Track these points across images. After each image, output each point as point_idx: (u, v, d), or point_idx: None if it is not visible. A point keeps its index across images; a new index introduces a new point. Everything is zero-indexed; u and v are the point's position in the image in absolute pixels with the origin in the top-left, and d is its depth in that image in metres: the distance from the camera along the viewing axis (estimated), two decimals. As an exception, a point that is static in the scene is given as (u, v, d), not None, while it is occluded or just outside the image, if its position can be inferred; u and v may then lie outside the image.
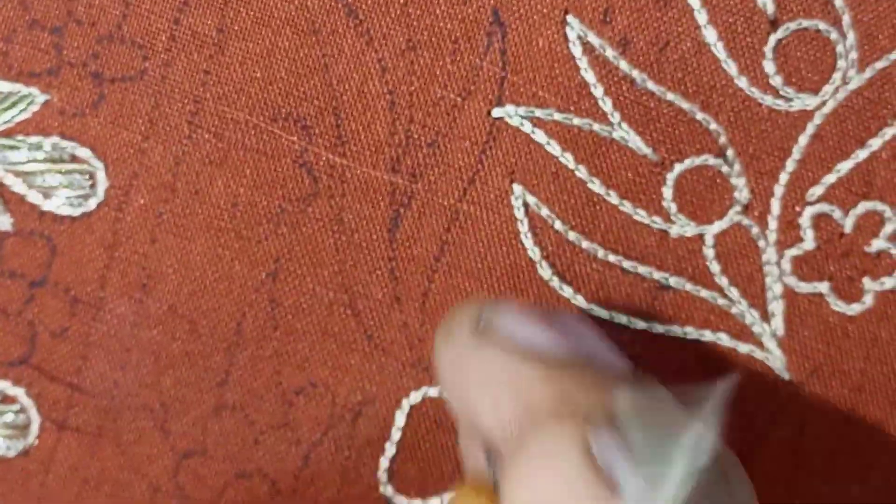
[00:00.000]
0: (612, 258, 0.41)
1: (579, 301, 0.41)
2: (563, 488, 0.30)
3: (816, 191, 0.40)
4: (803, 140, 0.40)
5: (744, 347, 0.41)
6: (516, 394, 0.32)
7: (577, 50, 0.40)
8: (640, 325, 0.41)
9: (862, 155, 0.40)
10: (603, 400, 0.31)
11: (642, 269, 0.41)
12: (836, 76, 0.40)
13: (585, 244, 0.41)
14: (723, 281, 0.41)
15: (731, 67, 0.40)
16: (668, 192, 0.40)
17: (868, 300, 0.41)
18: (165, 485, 0.43)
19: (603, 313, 0.41)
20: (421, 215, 0.41)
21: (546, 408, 0.32)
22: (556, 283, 0.41)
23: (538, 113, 0.40)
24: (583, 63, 0.40)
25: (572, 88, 0.40)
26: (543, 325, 0.34)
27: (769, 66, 0.39)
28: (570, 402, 0.31)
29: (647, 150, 0.40)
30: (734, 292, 0.41)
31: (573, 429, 0.30)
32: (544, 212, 0.40)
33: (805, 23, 0.39)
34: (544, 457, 0.30)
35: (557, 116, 0.40)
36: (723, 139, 0.40)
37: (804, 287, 0.41)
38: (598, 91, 0.40)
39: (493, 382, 0.33)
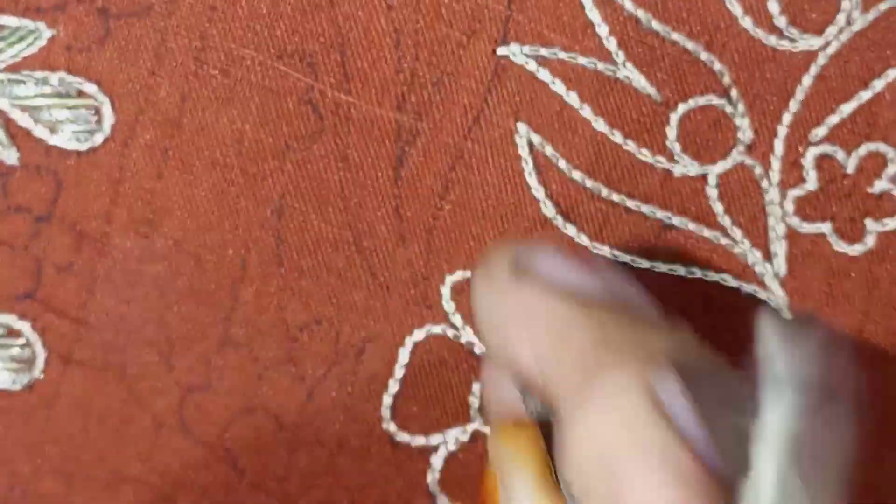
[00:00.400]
0: (615, 197, 0.42)
1: (583, 240, 0.42)
2: (629, 437, 0.30)
3: (820, 131, 0.41)
4: (807, 81, 0.41)
5: (747, 287, 0.42)
6: (556, 333, 0.33)
7: (582, -11, 0.41)
8: (644, 263, 0.42)
9: (865, 96, 0.41)
10: (648, 344, 0.32)
11: (646, 209, 0.42)
12: (841, 17, 0.41)
13: (589, 183, 0.42)
14: (726, 221, 0.42)
15: (736, 7, 0.40)
16: (671, 131, 0.41)
17: (870, 241, 0.42)
18: (170, 419, 0.44)
19: (606, 252, 0.42)
20: (426, 153, 0.42)
21: (587, 348, 0.32)
22: (559, 221, 0.42)
23: (543, 52, 0.41)
24: (588, 2, 0.41)
25: (577, 27, 0.41)
26: (581, 267, 0.35)
27: (774, 6, 0.40)
28: (613, 344, 0.32)
29: (651, 90, 0.41)
30: (737, 232, 0.42)
31: (636, 375, 0.30)
32: (549, 150, 0.41)
33: (811, -37, 0.40)
34: (609, 405, 0.30)
35: (562, 55, 0.41)
36: (727, 79, 0.41)
37: (806, 227, 0.42)
38: (603, 30, 0.41)
39: (533, 321, 0.33)
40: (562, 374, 0.32)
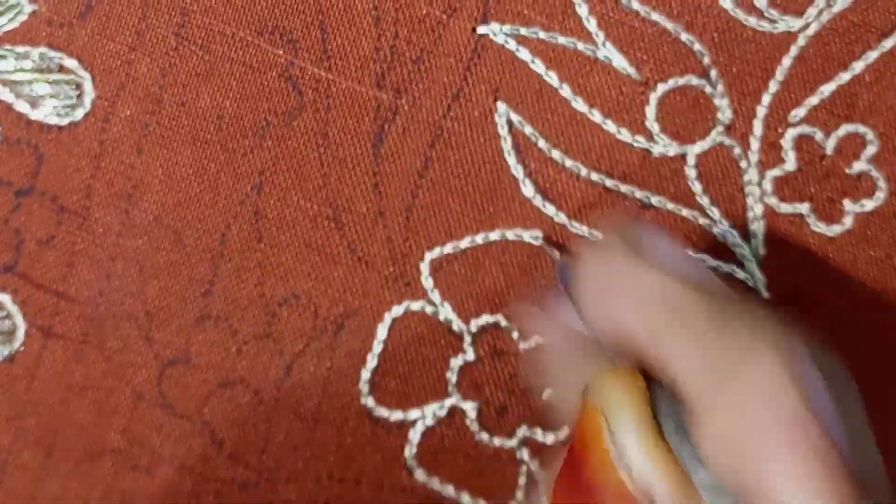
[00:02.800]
0: (594, 177, 0.44)
1: (562, 219, 0.45)
2: (773, 417, 0.33)
3: (799, 112, 0.44)
4: (787, 62, 0.44)
5: (725, 267, 0.45)
6: (673, 311, 0.36)
7: (563, -32, 0.43)
8: (620, 243, 0.45)
9: (845, 77, 0.44)
10: (772, 332, 0.35)
11: (624, 188, 0.44)
12: None
13: (569, 162, 0.44)
14: (704, 200, 0.45)
15: (716, -11, 0.43)
16: (651, 111, 0.44)
17: (848, 222, 0.45)
18: (149, 392, 0.47)
19: (584, 231, 0.45)
20: (405, 131, 0.44)
21: (708, 329, 0.35)
22: (538, 200, 0.45)
23: (523, 31, 0.44)
24: (569, -19, 0.43)
25: (557, 7, 0.43)
26: (690, 255, 0.38)
27: (753, -11, 0.43)
28: (740, 329, 0.35)
29: (630, 70, 0.44)
30: (715, 212, 0.45)
31: (776, 359, 0.34)
32: (528, 130, 0.44)
33: (790, -54, 0.43)
34: (753, 386, 0.34)
35: (542, 35, 0.44)
36: (707, 60, 0.44)
37: (785, 208, 0.44)
38: (582, 10, 0.43)
39: (648, 299, 0.36)
40: (681, 351, 0.35)
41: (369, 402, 0.47)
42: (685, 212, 0.45)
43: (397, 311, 0.46)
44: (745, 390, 0.34)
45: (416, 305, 0.46)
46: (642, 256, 0.37)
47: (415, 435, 0.47)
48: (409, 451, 0.47)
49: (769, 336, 0.34)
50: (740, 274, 0.45)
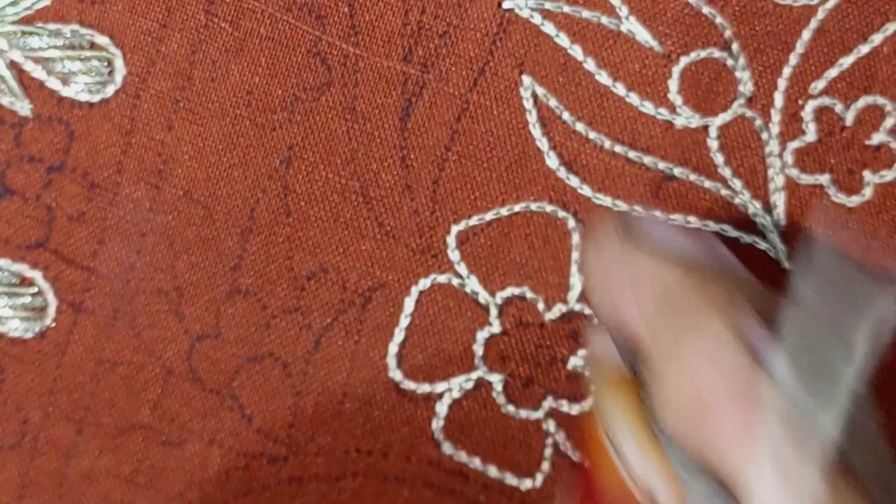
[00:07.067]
0: (618, 148, 0.46)
1: (586, 191, 0.46)
2: (717, 369, 0.34)
3: (819, 84, 0.45)
4: (807, 34, 0.45)
5: (746, 238, 0.46)
6: (664, 294, 0.38)
7: (586, -57, 0.45)
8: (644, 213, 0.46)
9: (864, 49, 0.45)
10: (740, 299, 0.37)
11: (647, 160, 0.46)
12: (840, -28, 0.45)
13: (592, 135, 0.46)
14: (726, 172, 0.46)
15: (737, -38, 0.45)
16: (673, 84, 0.45)
17: (868, 192, 0.46)
18: (179, 367, 0.48)
19: (608, 202, 0.46)
20: (432, 105, 0.46)
21: (692, 308, 0.37)
22: (563, 172, 0.46)
23: (547, 5, 0.45)
24: (592, -44, 0.45)
25: (581, -19, 0.45)
26: (685, 233, 0.40)
27: (774, -38, 0.45)
28: (711, 302, 0.37)
29: (653, 43, 0.45)
30: (737, 183, 0.46)
31: (726, 320, 0.35)
32: (552, 103, 0.46)
33: (810, -81, 0.45)
34: (700, 345, 0.35)
35: (566, 9, 0.45)
36: (728, 33, 0.45)
37: (806, 179, 0.46)
38: (606, -16, 0.45)
39: (642, 285, 0.38)
40: (665, 331, 0.37)
41: (397, 375, 0.48)
42: (707, 183, 0.46)
43: (424, 283, 0.47)
44: (689, 353, 0.35)
45: (442, 278, 0.47)
46: (639, 241, 0.39)
47: (442, 408, 0.48)
48: (437, 424, 0.48)
49: (718, 301, 0.36)
50: (762, 245, 0.46)
